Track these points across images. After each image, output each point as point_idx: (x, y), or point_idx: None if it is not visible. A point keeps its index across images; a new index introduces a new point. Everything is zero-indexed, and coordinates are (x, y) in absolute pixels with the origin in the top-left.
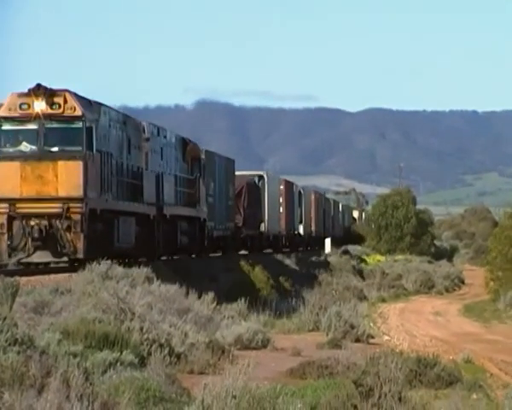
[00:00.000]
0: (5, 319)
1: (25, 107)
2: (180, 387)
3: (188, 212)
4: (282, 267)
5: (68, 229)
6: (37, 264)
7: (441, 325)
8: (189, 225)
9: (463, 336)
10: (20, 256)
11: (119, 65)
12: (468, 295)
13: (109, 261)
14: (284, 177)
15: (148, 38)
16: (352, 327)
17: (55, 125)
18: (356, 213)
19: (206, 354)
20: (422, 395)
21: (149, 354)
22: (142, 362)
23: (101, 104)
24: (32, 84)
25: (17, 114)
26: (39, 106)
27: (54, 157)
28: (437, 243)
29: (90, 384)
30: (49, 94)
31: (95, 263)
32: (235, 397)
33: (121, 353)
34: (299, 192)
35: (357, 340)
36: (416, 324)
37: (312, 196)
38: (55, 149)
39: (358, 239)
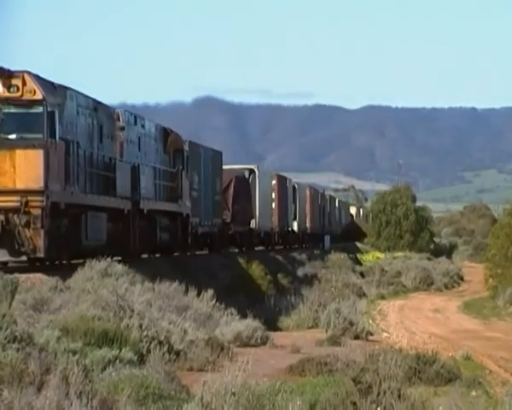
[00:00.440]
0: (4, 316)
1: None
2: (179, 384)
3: (169, 207)
4: (279, 264)
5: (27, 225)
6: None
7: (440, 322)
8: (171, 221)
9: (462, 333)
10: None
11: (117, 62)
12: (467, 292)
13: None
14: (283, 174)
15: (147, 35)
16: (352, 324)
17: (12, 109)
18: (353, 210)
19: (206, 352)
20: (422, 391)
21: (148, 351)
22: (142, 359)
23: (67, 88)
24: None
25: None
26: None
27: (11, 146)
28: (436, 239)
29: (90, 382)
30: (6, 76)
31: (94, 261)
32: (234, 394)
33: (120, 350)
34: (294, 187)
35: (357, 337)
36: (415, 321)
37: (307, 192)
38: (13, 136)
39: (356, 236)
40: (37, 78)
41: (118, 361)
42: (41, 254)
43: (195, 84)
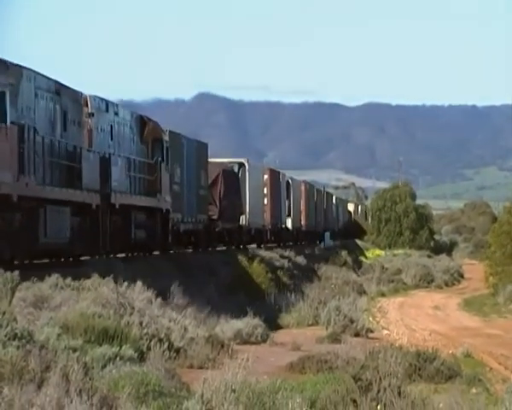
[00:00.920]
0: (4, 313)
1: None
2: (179, 381)
3: (146, 202)
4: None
5: None
6: None
7: (441, 320)
8: (148, 218)
9: (463, 330)
10: None
11: (118, 58)
12: (467, 289)
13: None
14: (284, 171)
15: (148, 31)
16: (352, 321)
17: None
18: (351, 207)
19: (206, 349)
20: (422, 389)
21: (149, 348)
22: (142, 357)
23: (23, 67)
24: None
25: None
26: None
27: None
28: (436, 237)
29: (90, 379)
30: None
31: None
32: (234, 392)
33: (120, 347)
34: (288, 183)
35: (357, 334)
36: (415, 318)
37: (302, 188)
38: None
39: (355, 234)
40: None
41: (118, 359)
42: None
43: (196, 80)
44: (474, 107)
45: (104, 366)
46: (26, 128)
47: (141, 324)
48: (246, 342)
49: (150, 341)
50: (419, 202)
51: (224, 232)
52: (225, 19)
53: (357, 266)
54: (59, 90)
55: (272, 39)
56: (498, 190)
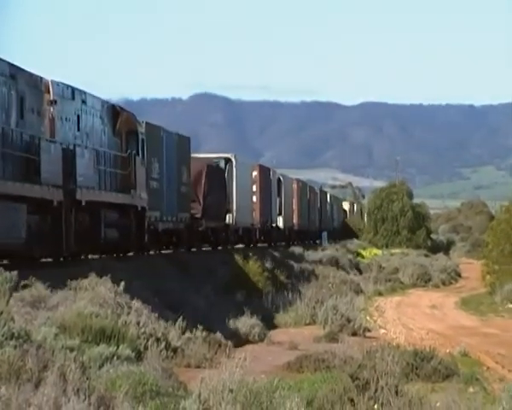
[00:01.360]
0: (2, 313)
1: None
2: (177, 381)
3: (117, 198)
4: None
5: None
6: None
7: (438, 319)
8: (121, 216)
9: (460, 329)
10: None
11: (116, 57)
12: (464, 288)
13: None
14: (281, 171)
15: (146, 30)
16: (349, 321)
17: None
18: (346, 206)
19: (203, 348)
20: (419, 388)
21: (146, 348)
22: (139, 356)
23: None
24: None
25: None
26: None
27: None
28: (433, 236)
29: (87, 379)
30: None
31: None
32: (231, 391)
33: (118, 347)
34: (279, 180)
35: (354, 333)
36: (412, 317)
37: (294, 185)
38: None
39: (350, 233)
40: None
41: (115, 358)
42: None
43: (193, 80)
44: (471, 106)
45: (101, 366)
46: None
47: (138, 323)
48: (243, 342)
49: (147, 340)
50: (416, 201)
51: (208, 232)
52: (223, 18)
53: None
54: (14, 73)
55: (270, 39)
56: (496, 190)
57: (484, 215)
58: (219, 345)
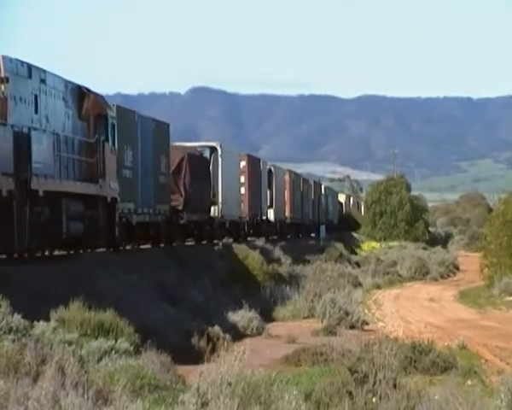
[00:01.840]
0: (0, 307)
1: None
2: (175, 374)
3: (82, 188)
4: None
5: None
6: None
7: (436, 312)
8: (87, 208)
9: (458, 322)
10: None
11: (113, 52)
12: (462, 281)
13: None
14: (279, 164)
15: (143, 25)
16: (347, 314)
17: None
18: (342, 198)
19: (202, 342)
20: (417, 381)
21: (144, 341)
22: (137, 350)
23: None
24: None
25: None
26: None
27: None
28: (432, 229)
29: (85, 372)
30: None
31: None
32: (230, 384)
33: (116, 341)
34: (269, 171)
35: (352, 327)
36: (410, 310)
37: (286, 176)
38: None
39: (346, 227)
40: None
41: (113, 352)
42: None
43: (191, 74)
44: (469, 99)
45: (100, 360)
46: None
47: (137, 317)
48: (242, 335)
49: (146, 334)
50: (414, 194)
51: (190, 225)
52: (220, 12)
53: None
54: None
55: (267, 32)
56: (494, 182)
57: (482, 208)
58: (217, 338)
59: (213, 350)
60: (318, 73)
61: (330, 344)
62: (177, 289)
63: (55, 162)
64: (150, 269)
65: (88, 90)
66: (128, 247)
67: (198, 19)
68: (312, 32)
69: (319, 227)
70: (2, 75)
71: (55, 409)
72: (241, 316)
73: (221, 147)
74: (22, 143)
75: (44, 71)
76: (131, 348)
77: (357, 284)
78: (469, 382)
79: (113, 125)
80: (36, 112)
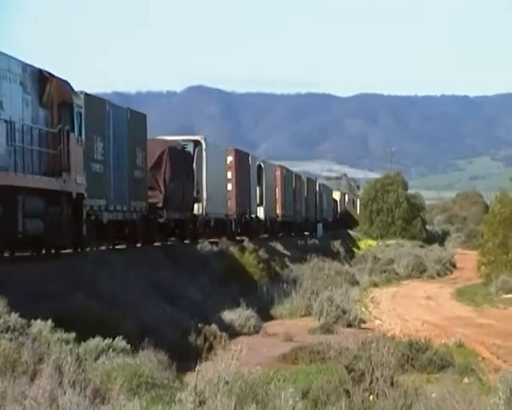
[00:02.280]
0: None
1: None
2: (172, 373)
3: (42, 183)
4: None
5: None
6: None
7: (433, 310)
8: (49, 205)
9: (455, 320)
10: None
11: (110, 51)
12: (459, 279)
13: (103, 247)
14: (277, 162)
15: (140, 23)
16: (344, 312)
17: None
18: (337, 195)
19: (199, 340)
20: (414, 379)
21: (142, 340)
22: (135, 348)
23: None
24: None
25: None
26: None
27: None
28: (429, 227)
29: (83, 371)
30: None
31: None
32: (227, 383)
33: (113, 339)
34: (259, 166)
35: (349, 325)
36: (407, 308)
37: (278, 173)
38: None
39: (342, 225)
40: None
41: (111, 350)
42: None
43: (188, 72)
44: (466, 97)
45: (97, 358)
46: None
47: (134, 315)
48: (239, 334)
49: (143, 332)
50: (411, 192)
51: (170, 223)
52: (217, 10)
53: (350, 256)
54: None
55: (264, 30)
56: (491, 180)
57: (479, 206)
58: (215, 337)
59: (211, 349)
60: (316, 72)
61: (327, 342)
62: (174, 288)
63: (10, 154)
64: (147, 268)
65: (50, 74)
66: (102, 247)
67: (195, 17)
68: (310, 31)
69: (316, 225)
70: None
71: (52, 408)
72: (238, 314)
73: (205, 141)
74: None
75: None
76: (129, 346)
77: (354, 283)
78: (466, 380)
79: (80, 114)
80: None
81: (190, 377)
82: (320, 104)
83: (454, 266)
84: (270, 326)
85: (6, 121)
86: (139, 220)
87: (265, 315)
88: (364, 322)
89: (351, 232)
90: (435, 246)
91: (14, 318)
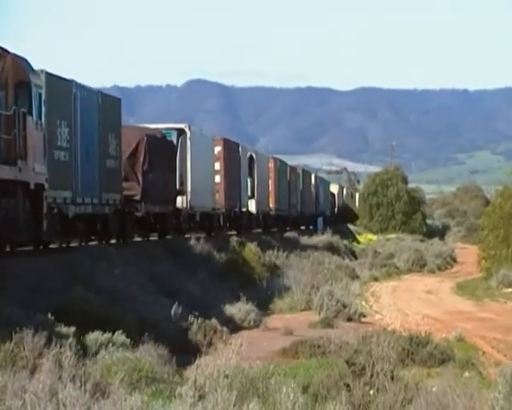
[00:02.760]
0: None
1: None
2: (172, 367)
3: None
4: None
5: None
6: None
7: (433, 304)
8: (1, 196)
9: (456, 314)
10: None
11: (110, 45)
12: (460, 273)
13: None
14: (276, 156)
15: (139, 17)
16: (344, 306)
17: None
18: (335, 189)
19: (199, 335)
20: (415, 373)
21: (142, 334)
22: (135, 343)
23: None
24: None
25: None
26: None
27: None
28: (429, 221)
29: (83, 365)
30: None
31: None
32: (227, 377)
33: (113, 333)
34: (251, 157)
35: (350, 319)
36: (408, 302)
37: (271, 164)
38: None
39: (341, 219)
40: None
41: (111, 344)
42: None
43: (187, 66)
44: (465, 91)
45: (97, 352)
46: None
47: (133, 310)
48: (239, 328)
49: (143, 327)
50: (412, 186)
51: (149, 218)
52: (217, 3)
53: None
54: None
55: (264, 24)
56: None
57: (479, 200)
58: (215, 331)
59: (210, 343)
60: (315, 66)
61: (328, 337)
62: (173, 282)
63: None
64: (146, 262)
65: (4, 50)
66: (74, 244)
67: (194, 11)
68: (309, 25)
69: (316, 219)
70: None
71: (52, 402)
72: (239, 308)
73: (190, 129)
74: None
75: None
76: (129, 340)
77: (354, 277)
78: (467, 374)
79: (40, 96)
80: None
81: (190, 372)
82: (320, 98)
83: (454, 260)
84: (271, 320)
85: None
86: (112, 214)
87: (265, 309)
88: (365, 316)
89: (351, 227)
90: (435, 240)
91: (14, 312)
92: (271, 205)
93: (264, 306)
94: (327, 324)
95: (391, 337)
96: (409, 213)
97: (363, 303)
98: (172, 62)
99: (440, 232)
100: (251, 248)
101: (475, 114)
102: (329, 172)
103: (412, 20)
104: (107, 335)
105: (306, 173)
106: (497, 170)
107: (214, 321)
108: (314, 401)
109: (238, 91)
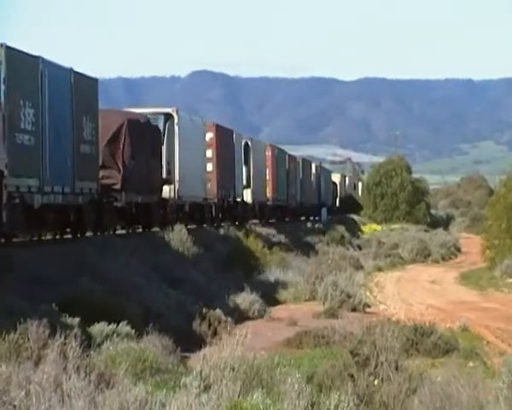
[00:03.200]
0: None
1: None
2: (177, 358)
3: None
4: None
5: None
6: None
7: (438, 294)
8: None
9: (460, 304)
10: None
11: (114, 36)
12: (464, 263)
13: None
14: (279, 146)
15: (143, 7)
16: (349, 296)
17: None
18: (337, 178)
19: (204, 325)
20: (419, 363)
21: (146, 325)
22: (139, 333)
23: None
24: None
25: None
26: None
27: None
28: (433, 211)
29: (87, 356)
30: None
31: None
32: (232, 368)
33: (118, 324)
34: (246, 145)
35: (354, 309)
36: (412, 292)
37: (268, 152)
38: None
39: (344, 209)
40: None
41: (115, 335)
42: None
43: (191, 57)
44: (470, 81)
45: (102, 343)
46: None
47: (138, 300)
48: (243, 318)
49: (148, 317)
50: (415, 176)
51: (131, 208)
52: None
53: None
54: None
55: (267, 15)
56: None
57: (483, 190)
58: (219, 322)
59: (215, 333)
60: (319, 56)
61: (332, 327)
62: (177, 272)
63: None
64: (150, 252)
65: None
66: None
67: (199, 2)
68: (313, 14)
69: (320, 210)
70: None
71: (56, 393)
72: (243, 299)
73: (178, 113)
74: None
75: None
76: (133, 331)
77: (358, 267)
78: (471, 364)
79: None
80: None
81: (195, 362)
82: (323, 88)
83: (458, 250)
84: (275, 311)
85: None
86: (87, 205)
87: (270, 300)
88: (369, 306)
89: (355, 217)
90: (440, 230)
91: (19, 302)
92: (268, 195)
93: (268, 296)
94: (331, 314)
95: (395, 327)
96: (413, 204)
97: (368, 293)
98: (177, 53)
99: (444, 222)
100: (255, 238)
101: (479, 103)
102: (333, 163)
103: (416, 10)
104: (112, 326)
105: (306, 162)
106: (501, 160)
107: (219, 311)
108: (318, 392)
109: (242, 82)
